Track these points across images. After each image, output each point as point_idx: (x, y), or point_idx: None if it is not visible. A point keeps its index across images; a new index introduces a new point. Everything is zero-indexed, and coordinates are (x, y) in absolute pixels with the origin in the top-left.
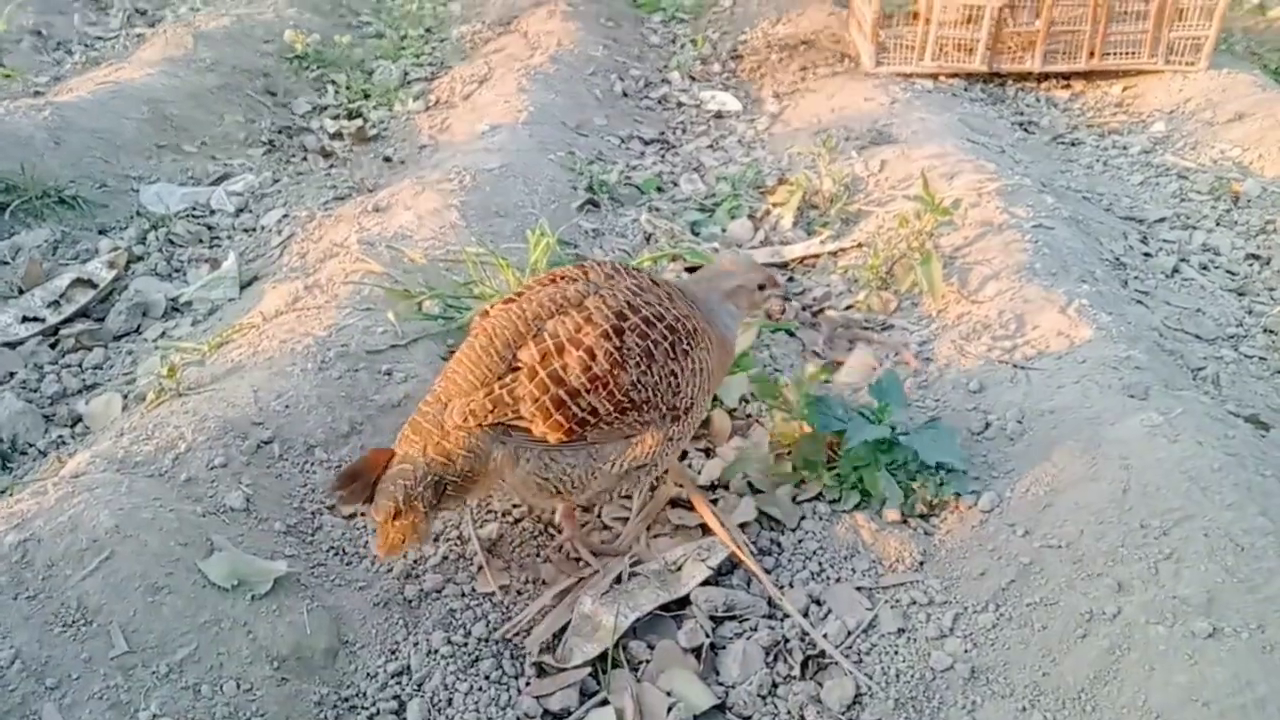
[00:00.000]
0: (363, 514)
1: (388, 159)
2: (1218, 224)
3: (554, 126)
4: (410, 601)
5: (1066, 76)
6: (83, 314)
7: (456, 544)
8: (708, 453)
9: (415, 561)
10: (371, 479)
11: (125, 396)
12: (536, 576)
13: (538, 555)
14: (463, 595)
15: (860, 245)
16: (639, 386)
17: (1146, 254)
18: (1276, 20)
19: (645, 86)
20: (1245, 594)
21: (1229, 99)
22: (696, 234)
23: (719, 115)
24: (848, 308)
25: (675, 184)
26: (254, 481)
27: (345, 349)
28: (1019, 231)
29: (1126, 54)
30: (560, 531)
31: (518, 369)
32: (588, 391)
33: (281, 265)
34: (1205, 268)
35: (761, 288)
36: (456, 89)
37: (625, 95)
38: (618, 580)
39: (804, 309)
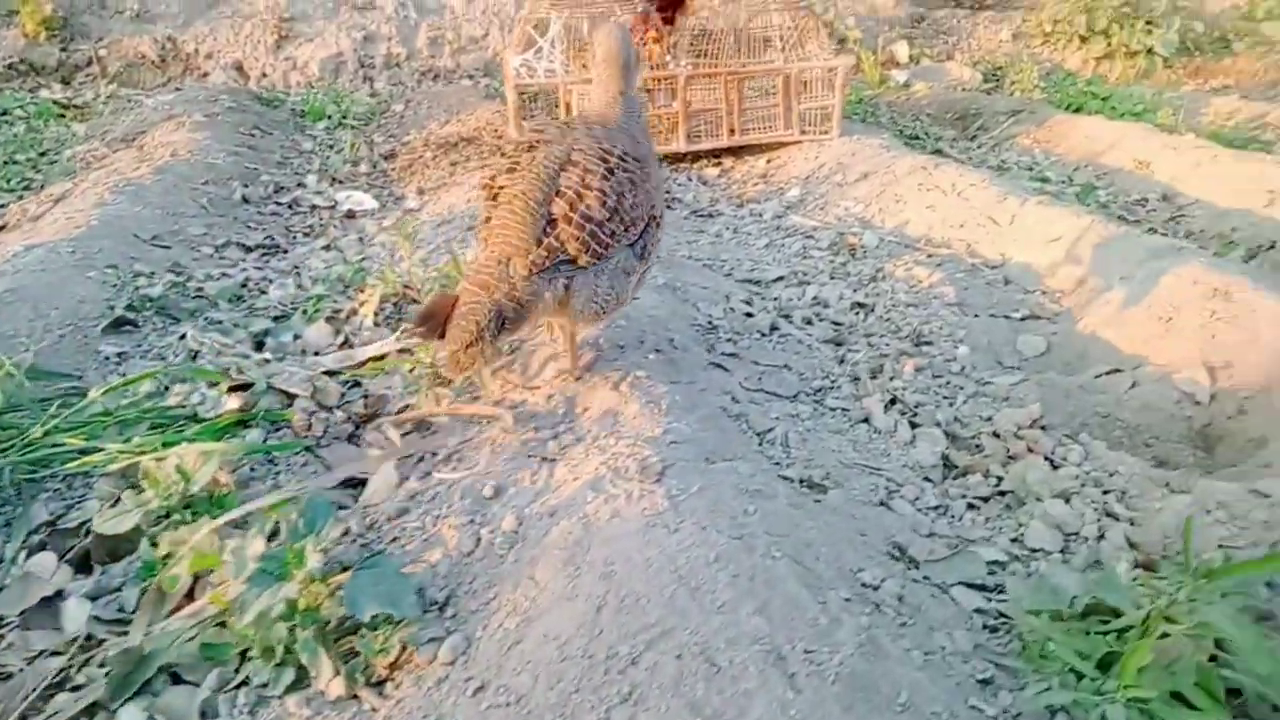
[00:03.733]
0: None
1: None
2: (831, 277)
3: (118, 240)
4: None
5: (718, 155)
6: None
7: None
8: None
9: None
10: (442, 319)
11: None
12: None
13: None
14: None
15: None
16: (635, 206)
17: (749, 314)
18: (915, 94)
19: (276, 191)
20: None
21: (857, 161)
22: (261, 345)
23: (351, 215)
24: (401, 409)
25: (264, 291)
26: None
27: None
28: None
29: (764, 128)
30: None
31: (554, 220)
32: (609, 220)
33: None
34: (810, 321)
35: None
36: (29, 210)
37: (246, 201)
38: None
39: (347, 419)
